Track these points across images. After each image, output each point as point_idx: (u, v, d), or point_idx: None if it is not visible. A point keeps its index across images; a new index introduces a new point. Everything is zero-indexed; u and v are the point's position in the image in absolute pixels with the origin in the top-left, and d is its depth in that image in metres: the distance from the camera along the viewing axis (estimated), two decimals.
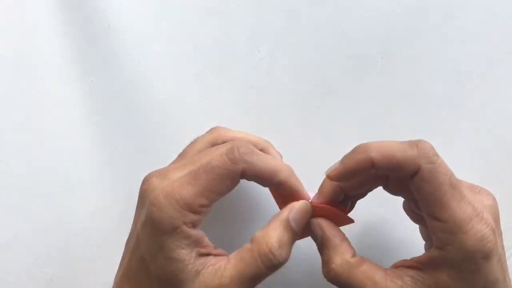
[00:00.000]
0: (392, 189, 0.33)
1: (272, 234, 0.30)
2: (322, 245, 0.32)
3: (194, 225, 0.29)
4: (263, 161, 0.30)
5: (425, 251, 0.35)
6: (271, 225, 0.31)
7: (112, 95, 0.42)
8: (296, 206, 0.31)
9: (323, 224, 0.32)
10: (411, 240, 0.39)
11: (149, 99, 0.42)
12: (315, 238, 0.32)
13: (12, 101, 0.41)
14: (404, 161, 0.28)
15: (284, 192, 0.32)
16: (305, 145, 0.41)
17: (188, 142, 0.36)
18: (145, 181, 0.31)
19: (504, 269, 0.29)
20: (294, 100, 0.42)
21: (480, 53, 0.41)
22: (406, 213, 0.35)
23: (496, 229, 0.28)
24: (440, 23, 0.41)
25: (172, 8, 0.42)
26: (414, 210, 0.34)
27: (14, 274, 0.41)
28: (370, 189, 0.34)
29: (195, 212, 0.29)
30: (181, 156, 0.35)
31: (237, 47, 0.42)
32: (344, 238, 0.32)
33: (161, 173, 0.31)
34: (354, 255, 0.31)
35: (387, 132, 0.41)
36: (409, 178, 0.28)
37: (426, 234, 0.35)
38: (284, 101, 0.42)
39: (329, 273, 0.31)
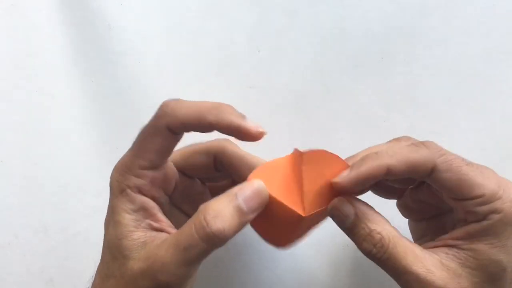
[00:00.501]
0: (385, 193, 0.33)
1: (213, 205, 0.27)
2: (358, 221, 0.29)
3: (140, 190, 0.29)
4: (187, 107, 0.28)
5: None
6: (217, 197, 0.28)
7: (112, 95, 0.42)
8: (248, 184, 0.28)
9: (352, 201, 0.29)
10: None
11: (149, 99, 0.42)
12: (343, 218, 0.29)
13: (12, 101, 0.41)
14: (421, 162, 0.28)
15: (224, 131, 0.28)
16: (305, 145, 0.41)
17: (188, 141, 0.36)
18: (112, 176, 0.32)
19: None
20: (294, 100, 0.42)
21: (480, 53, 0.41)
22: (400, 211, 0.35)
23: None
24: (440, 23, 0.41)
25: (172, 8, 0.42)
26: (412, 206, 0.34)
27: (14, 274, 0.41)
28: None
29: (137, 175, 0.29)
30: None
31: (237, 47, 0.42)
32: (375, 210, 0.30)
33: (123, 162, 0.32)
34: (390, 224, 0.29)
35: (387, 132, 0.41)
36: (426, 177, 0.28)
37: (421, 231, 0.34)
38: (284, 101, 0.42)
39: (375, 245, 0.28)
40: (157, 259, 0.27)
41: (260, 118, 0.40)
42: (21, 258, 0.41)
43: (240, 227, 0.27)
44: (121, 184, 0.29)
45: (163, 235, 0.29)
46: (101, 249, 0.31)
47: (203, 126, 0.28)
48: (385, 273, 0.29)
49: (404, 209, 0.35)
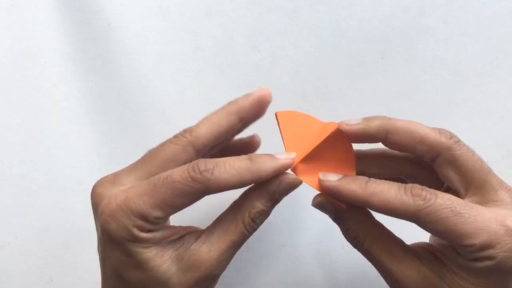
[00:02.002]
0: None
1: (256, 205, 0.30)
2: (338, 217, 0.31)
3: (150, 230, 0.29)
4: (228, 172, 0.28)
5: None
6: (255, 194, 0.30)
7: (112, 95, 0.42)
8: (286, 180, 0.30)
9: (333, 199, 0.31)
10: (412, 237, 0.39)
11: (149, 99, 0.42)
12: (327, 213, 0.32)
13: (12, 101, 0.41)
14: (433, 141, 0.29)
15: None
16: None
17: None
18: (94, 188, 0.31)
19: None
20: (294, 100, 0.42)
21: (480, 53, 0.41)
22: None
23: None
24: (440, 23, 0.41)
25: (172, 8, 0.42)
26: None
27: (14, 274, 0.41)
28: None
29: (151, 223, 0.28)
30: (144, 160, 0.31)
31: (237, 47, 0.42)
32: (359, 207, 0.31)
33: (110, 179, 0.31)
34: (373, 220, 0.31)
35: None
36: (438, 163, 0.29)
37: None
38: (284, 101, 0.42)
39: (351, 240, 0.31)
40: (212, 261, 0.29)
41: (260, 118, 0.40)
42: (21, 258, 0.41)
43: None
44: (133, 229, 0.28)
45: (189, 239, 0.30)
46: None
47: (243, 186, 0.30)
48: None
49: None
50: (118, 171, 0.31)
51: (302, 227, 0.42)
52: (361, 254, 0.32)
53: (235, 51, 0.42)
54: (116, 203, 0.28)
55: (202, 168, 0.28)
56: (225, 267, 0.31)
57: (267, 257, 0.41)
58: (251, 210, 0.30)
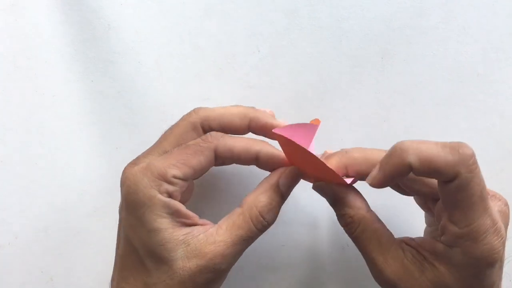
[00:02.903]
0: (406, 190, 0.33)
1: (262, 198, 0.31)
2: (336, 202, 0.32)
3: (170, 195, 0.30)
4: (235, 138, 0.32)
5: (424, 234, 0.36)
6: (261, 188, 0.32)
7: (112, 95, 0.42)
8: (286, 171, 0.32)
9: (333, 185, 0.32)
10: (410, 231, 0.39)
11: (149, 99, 0.42)
12: (325, 197, 0.33)
13: (12, 101, 0.41)
14: (443, 167, 0.26)
15: (266, 165, 0.33)
16: None
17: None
18: (122, 173, 0.32)
19: (501, 272, 0.30)
20: (294, 100, 0.42)
21: (480, 53, 0.41)
22: (416, 201, 0.35)
23: (505, 239, 0.29)
24: (440, 23, 0.41)
25: (172, 8, 0.42)
26: (426, 201, 0.34)
27: (14, 274, 0.41)
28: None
29: (169, 182, 0.30)
30: (159, 141, 0.34)
31: (237, 47, 0.42)
32: (357, 194, 0.32)
33: (134, 160, 0.33)
34: (368, 209, 0.32)
35: (387, 132, 0.41)
36: (440, 182, 0.28)
37: (431, 221, 0.35)
38: (284, 101, 0.42)
39: (346, 226, 0.31)
40: (216, 252, 0.30)
41: None
42: (21, 258, 0.41)
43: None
44: (151, 190, 0.30)
45: (199, 229, 0.31)
46: (121, 259, 0.31)
47: (248, 156, 0.32)
48: None
49: (416, 200, 0.36)
50: (139, 155, 0.33)
51: (302, 227, 0.42)
52: (361, 254, 0.32)
53: (235, 51, 0.42)
54: (137, 169, 0.30)
55: (213, 134, 0.31)
56: (232, 263, 0.31)
57: (267, 257, 0.41)
58: (257, 204, 0.31)
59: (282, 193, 0.32)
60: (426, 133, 0.41)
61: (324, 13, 0.41)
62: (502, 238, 0.28)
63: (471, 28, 0.41)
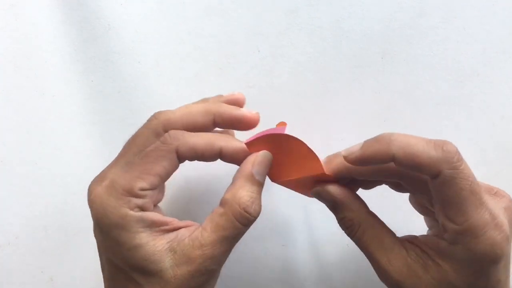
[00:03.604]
0: (402, 187, 0.33)
1: (242, 193, 0.30)
2: (335, 206, 0.32)
3: (142, 208, 0.29)
4: (196, 136, 0.30)
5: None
6: (237, 183, 0.31)
7: (112, 95, 0.42)
8: (258, 159, 0.31)
9: (331, 189, 0.31)
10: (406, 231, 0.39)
11: (149, 99, 0.42)
12: (324, 202, 0.32)
13: (12, 101, 0.41)
14: (426, 163, 0.27)
15: (232, 159, 0.31)
16: None
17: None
18: (88, 190, 0.31)
19: (507, 270, 0.30)
20: (294, 100, 0.42)
21: (480, 53, 0.41)
22: (412, 206, 0.35)
23: (510, 234, 0.28)
24: (440, 23, 0.41)
25: (172, 8, 0.42)
26: (423, 204, 0.34)
27: (14, 274, 0.41)
28: (378, 183, 0.34)
29: (137, 196, 0.29)
30: (122, 153, 0.32)
31: (237, 47, 0.42)
32: (355, 197, 0.32)
33: (99, 176, 0.31)
34: (368, 211, 0.31)
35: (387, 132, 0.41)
36: (429, 179, 0.28)
37: (432, 223, 0.35)
38: (284, 101, 0.42)
39: (346, 228, 0.31)
40: (205, 256, 0.29)
41: (260, 118, 0.40)
42: (21, 258, 0.41)
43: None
44: (121, 209, 0.29)
45: (183, 233, 0.30)
46: (109, 282, 0.31)
47: (212, 152, 0.30)
48: None
49: (413, 204, 0.36)
50: (104, 169, 0.32)
51: (302, 227, 0.42)
52: (361, 254, 0.32)
53: (235, 51, 0.42)
54: (102, 190, 0.29)
55: (172, 134, 0.29)
56: (223, 262, 0.31)
57: (267, 257, 0.41)
58: (239, 201, 0.30)
59: (259, 182, 0.31)
60: (426, 133, 0.41)
61: (324, 13, 0.41)
62: (504, 233, 0.28)
63: (471, 28, 0.41)
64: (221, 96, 0.34)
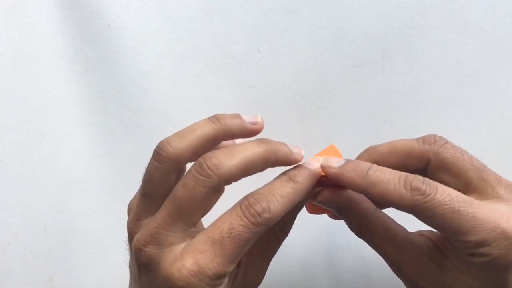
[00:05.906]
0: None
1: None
2: (342, 210, 0.31)
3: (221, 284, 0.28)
4: (283, 204, 0.28)
5: None
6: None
7: (112, 95, 0.42)
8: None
9: (336, 193, 0.31)
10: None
11: (149, 99, 0.42)
12: (331, 209, 0.32)
13: (12, 101, 0.41)
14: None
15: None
16: (305, 145, 0.41)
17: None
18: (141, 249, 0.28)
19: None
20: (294, 100, 0.42)
21: (480, 53, 0.41)
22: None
23: None
24: (440, 23, 0.41)
25: (172, 8, 0.42)
26: None
27: (14, 274, 0.41)
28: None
29: (224, 277, 0.28)
30: (179, 212, 0.28)
31: (237, 47, 0.42)
32: (362, 198, 0.31)
33: (153, 239, 0.28)
34: (375, 210, 0.31)
35: (387, 132, 0.41)
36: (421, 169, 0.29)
37: None
38: (284, 101, 0.42)
39: (357, 231, 0.31)
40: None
41: (260, 118, 0.40)
42: (21, 258, 0.41)
43: None
44: (166, 260, 0.27)
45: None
46: None
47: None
48: (385, 273, 0.30)
49: None
50: (150, 226, 0.28)
51: (302, 227, 0.41)
52: (361, 255, 0.32)
53: (235, 51, 0.42)
54: (187, 271, 0.27)
55: (258, 209, 0.27)
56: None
57: None
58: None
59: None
60: (426, 133, 0.41)
61: (324, 13, 0.41)
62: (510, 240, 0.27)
63: (471, 28, 0.41)
64: (238, 116, 0.31)
